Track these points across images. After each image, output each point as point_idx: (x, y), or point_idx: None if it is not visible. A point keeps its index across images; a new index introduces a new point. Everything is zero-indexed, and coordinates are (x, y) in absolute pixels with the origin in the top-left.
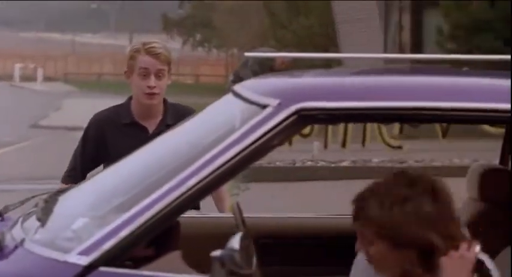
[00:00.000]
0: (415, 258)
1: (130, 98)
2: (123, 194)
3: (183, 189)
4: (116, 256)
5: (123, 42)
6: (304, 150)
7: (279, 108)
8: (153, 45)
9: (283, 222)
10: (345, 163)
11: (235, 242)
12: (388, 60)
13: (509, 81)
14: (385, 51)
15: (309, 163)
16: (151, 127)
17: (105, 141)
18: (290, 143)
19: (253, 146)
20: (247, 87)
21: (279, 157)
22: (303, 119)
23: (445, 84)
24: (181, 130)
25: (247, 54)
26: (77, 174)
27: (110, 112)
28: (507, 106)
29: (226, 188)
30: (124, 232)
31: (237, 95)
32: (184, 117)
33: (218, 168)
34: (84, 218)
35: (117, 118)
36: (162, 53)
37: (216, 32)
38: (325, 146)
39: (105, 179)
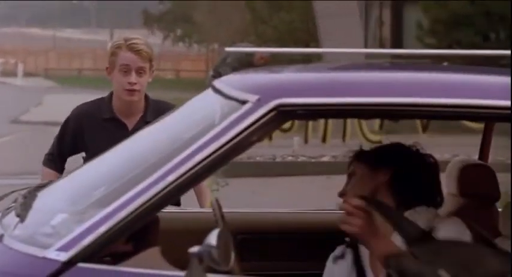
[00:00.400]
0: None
1: (111, 93)
2: (102, 190)
3: (162, 185)
4: (94, 252)
5: (104, 38)
6: (285, 146)
7: (258, 104)
8: (135, 41)
9: (263, 217)
10: (325, 159)
11: (212, 238)
12: (368, 55)
13: (494, 77)
14: (366, 47)
15: (290, 158)
16: (131, 124)
17: (83, 135)
18: (270, 138)
19: (232, 142)
20: (227, 82)
21: (259, 152)
22: (283, 115)
23: (424, 80)
24: (160, 125)
25: (227, 49)
26: (55, 159)
27: (91, 106)
28: (488, 102)
29: (206, 183)
30: (103, 228)
31: (217, 91)
32: (164, 113)
33: (197, 164)
34: (63, 214)
35: (97, 112)
36: (143, 50)
37: (197, 27)
38: (306, 141)
39: (84, 175)
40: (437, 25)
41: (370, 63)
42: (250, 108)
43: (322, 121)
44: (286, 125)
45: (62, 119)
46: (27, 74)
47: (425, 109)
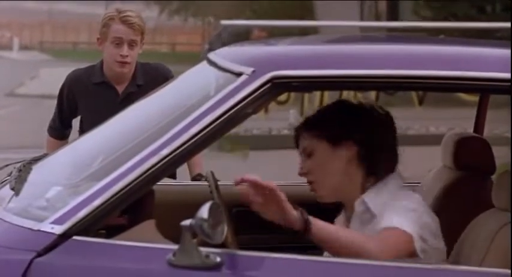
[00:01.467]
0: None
1: (102, 61)
2: (97, 163)
3: (157, 158)
4: (89, 225)
5: (100, 11)
6: (281, 118)
7: (253, 76)
8: (127, 13)
9: None
10: None
11: (204, 211)
12: (364, 28)
13: (492, 49)
14: (362, 20)
15: (285, 131)
16: (121, 88)
17: (75, 100)
18: (266, 111)
19: (227, 114)
20: (222, 55)
21: (255, 125)
22: (277, 87)
23: (420, 52)
24: (155, 98)
25: (223, 22)
26: (56, 126)
27: (83, 72)
28: (486, 74)
29: (201, 154)
30: (98, 201)
31: (212, 63)
32: (155, 74)
33: (192, 137)
34: (58, 187)
35: (86, 78)
36: (136, 23)
37: (192, 1)
38: (302, 114)
39: (79, 148)
40: None
41: (365, 36)
42: (245, 80)
43: (317, 93)
44: (282, 98)
45: (57, 91)
46: (23, 47)
47: (421, 81)
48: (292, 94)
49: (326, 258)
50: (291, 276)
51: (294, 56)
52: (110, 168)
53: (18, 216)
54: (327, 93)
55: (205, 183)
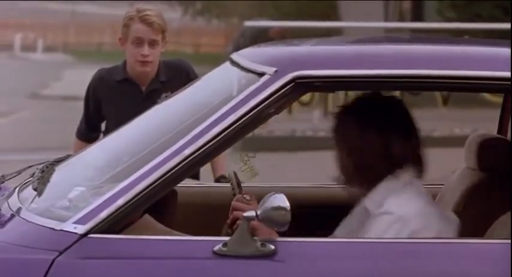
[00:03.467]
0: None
1: (125, 61)
2: (120, 163)
3: (179, 158)
4: (112, 225)
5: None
6: (305, 119)
7: (276, 76)
8: (147, 13)
9: (282, 192)
10: None
11: (275, 201)
12: (388, 29)
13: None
14: (386, 20)
15: (309, 132)
16: (144, 85)
17: (100, 100)
18: (290, 112)
19: (250, 114)
20: (245, 55)
21: (278, 126)
22: (300, 87)
23: (442, 52)
24: (178, 99)
25: (246, 23)
26: (83, 129)
27: (105, 71)
28: (505, 74)
29: (224, 155)
30: (120, 201)
31: (235, 63)
32: (177, 69)
33: (215, 137)
34: (80, 187)
35: (110, 77)
36: (155, 22)
37: (216, 2)
38: (325, 115)
39: (103, 149)
40: None
41: (388, 36)
42: (267, 80)
43: (342, 94)
44: (306, 99)
45: (82, 93)
46: (46, 49)
47: (444, 81)
48: (316, 95)
49: (380, 239)
50: (343, 258)
51: (316, 56)
52: (133, 168)
53: (41, 216)
54: (351, 94)
55: (228, 184)
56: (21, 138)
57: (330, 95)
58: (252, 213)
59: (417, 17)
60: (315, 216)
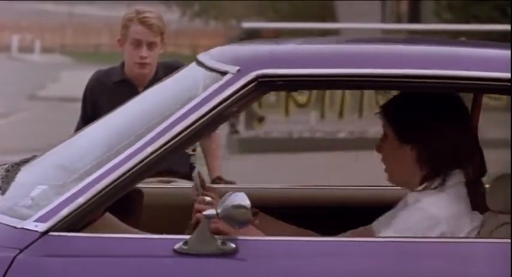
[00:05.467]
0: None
1: (123, 62)
2: (84, 163)
3: (140, 156)
4: (73, 223)
5: (120, 13)
6: (301, 121)
7: (238, 75)
8: (146, 15)
9: (278, 193)
10: (342, 134)
11: (235, 200)
12: (385, 31)
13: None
14: (383, 21)
15: (306, 134)
16: (141, 85)
17: (97, 101)
18: (287, 114)
19: (211, 113)
20: (210, 55)
21: (275, 128)
22: (263, 86)
23: (404, 52)
24: (144, 98)
25: (244, 24)
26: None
27: (103, 73)
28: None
29: (221, 157)
30: (81, 200)
31: (200, 63)
32: (174, 70)
33: (176, 136)
34: (43, 186)
35: (107, 78)
36: (155, 24)
37: (214, 3)
38: (322, 117)
39: (67, 148)
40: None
41: (354, 37)
42: (230, 79)
43: (339, 95)
44: (303, 100)
45: (79, 94)
46: (44, 50)
47: (403, 80)
48: (313, 97)
49: (338, 238)
50: (306, 257)
51: (279, 55)
52: (95, 167)
53: (4, 214)
54: (348, 95)
55: (228, 185)
56: (19, 139)
57: (327, 96)
58: (212, 212)
59: (414, 17)
60: (310, 216)
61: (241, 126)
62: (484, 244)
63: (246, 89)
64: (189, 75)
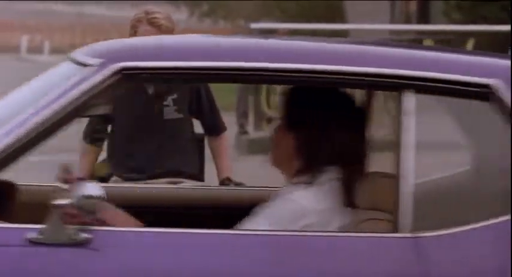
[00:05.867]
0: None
1: None
2: None
3: None
4: None
5: (129, 13)
6: None
7: (101, 67)
8: (155, 15)
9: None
10: None
11: (87, 190)
12: (393, 31)
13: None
14: (392, 22)
15: None
16: (149, 85)
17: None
18: None
19: (72, 104)
20: (81, 50)
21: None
22: (126, 78)
23: (282, 46)
24: (13, 96)
25: (253, 25)
26: (87, 132)
27: None
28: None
29: (230, 157)
30: None
31: (70, 59)
32: None
33: (35, 127)
34: None
35: None
36: (163, 25)
37: (222, 3)
38: None
39: None
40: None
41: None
42: (92, 71)
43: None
44: None
45: None
46: (53, 51)
47: (257, 73)
48: None
49: (200, 229)
50: (157, 248)
51: (144, 48)
52: None
53: None
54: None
55: (235, 187)
56: None
57: None
58: (62, 201)
59: (423, 18)
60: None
61: (250, 127)
62: (348, 238)
63: (109, 81)
64: (58, 70)
